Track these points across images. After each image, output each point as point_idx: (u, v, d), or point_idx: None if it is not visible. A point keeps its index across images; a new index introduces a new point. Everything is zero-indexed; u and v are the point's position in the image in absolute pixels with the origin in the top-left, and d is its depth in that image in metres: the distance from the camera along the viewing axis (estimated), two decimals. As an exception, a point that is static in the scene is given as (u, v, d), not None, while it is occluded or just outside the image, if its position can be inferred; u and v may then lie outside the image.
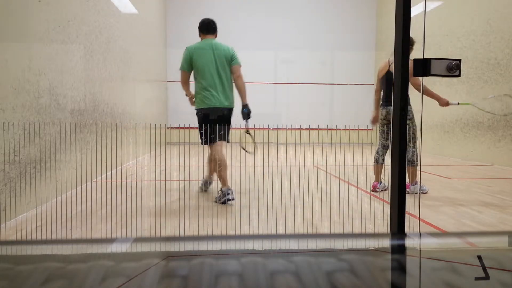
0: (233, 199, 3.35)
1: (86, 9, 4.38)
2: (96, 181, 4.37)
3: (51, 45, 3.48)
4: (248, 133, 3.61)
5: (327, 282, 0.79)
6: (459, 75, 1.49)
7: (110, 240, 1.60)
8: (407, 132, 3.72)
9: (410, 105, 3.75)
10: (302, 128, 9.24)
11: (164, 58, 9.68)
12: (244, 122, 3.58)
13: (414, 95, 3.84)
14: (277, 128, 9.52)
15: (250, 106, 3.57)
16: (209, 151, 3.67)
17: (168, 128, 9.31)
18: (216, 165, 3.53)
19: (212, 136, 3.50)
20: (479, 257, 0.85)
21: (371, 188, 3.93)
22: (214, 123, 3.52)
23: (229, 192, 3.35)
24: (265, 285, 0.77)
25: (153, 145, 7.39)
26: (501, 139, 6.14)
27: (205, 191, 3.88)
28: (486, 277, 0.82)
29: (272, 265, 0.88)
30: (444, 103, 3.78)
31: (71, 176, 3.77)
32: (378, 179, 3.93)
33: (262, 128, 9.28)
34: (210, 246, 1.02)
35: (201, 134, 3.56)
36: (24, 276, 0.80)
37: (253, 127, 3.63)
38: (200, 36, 3.68)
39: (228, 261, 0.90)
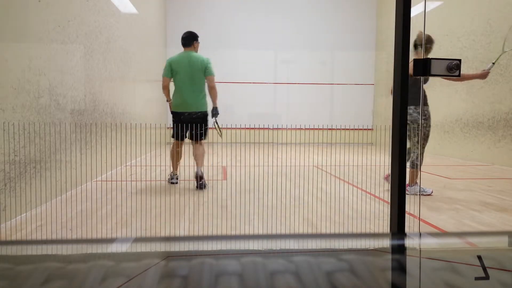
0: (176, 182, 4.22)
1: (86, 9, 4.37)
2: (96, 181, 4.37)
3: (51, 45, 3.48)
4: (217, 123, 4.39)
5: (327, 282, 0.79)
6: (459, 75, 1.49)
7: (110, 240, 1.61)
8: (419, 132, 3.71)
9: (427, 105, 3.74)
10: (302, 128, 9.23)
11: (164, 58, 9.60)
12: (214, 118, 4.39)
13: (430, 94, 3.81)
14: (277, 128, 9.51)
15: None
16: (193, 147, 4.27)
17: (168, 128, 9.29)
18: (201, 159, 4.19)
19: (181, 133, 4.25)
20: (479, 257, 0.85)
21: (384, 178, 4.06)
22: (186, 125, 4.19)
23: (174, 177, 4.23)
24: (265, 285, 0.77)
25: (153, 145, 7.38)
26: (501, 139, 6.14)
27: (200, 187, 3.89)
28: (486, 277, 0.82)
29: (272, 265, 0.88)
30: (484, 76, 3.66)
31: (71, 176, 3.77)
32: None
33: (262, 128, 9.30)
34: (210, 246, 1.02)
35: (175, 132, 4.27)
36: (24, 276, 0.80)
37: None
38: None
39: (228, 261, 0.90)
